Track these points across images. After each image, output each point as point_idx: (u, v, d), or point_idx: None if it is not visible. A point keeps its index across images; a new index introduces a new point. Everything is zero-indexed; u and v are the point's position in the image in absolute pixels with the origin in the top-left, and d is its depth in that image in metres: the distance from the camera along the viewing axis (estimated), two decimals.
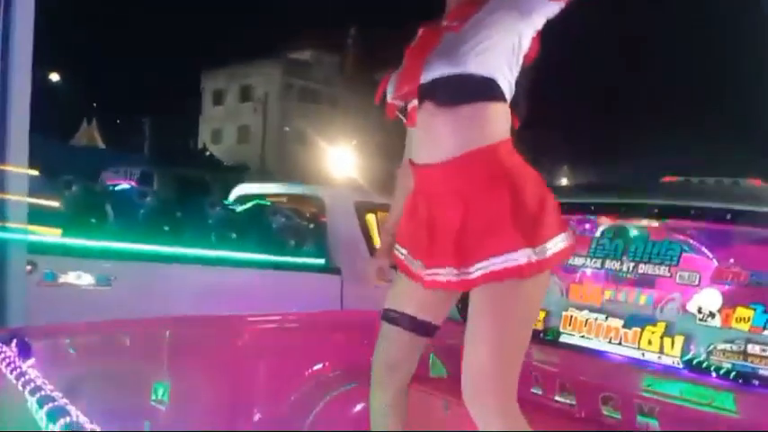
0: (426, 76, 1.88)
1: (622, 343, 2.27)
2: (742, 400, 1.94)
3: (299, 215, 4.79)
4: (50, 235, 4.00)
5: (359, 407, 2.70)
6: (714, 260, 2.10)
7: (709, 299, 2.08)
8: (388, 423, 2.21)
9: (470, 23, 1.87)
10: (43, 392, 1.71)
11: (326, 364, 2.83)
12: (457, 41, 1.86)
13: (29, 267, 3.52)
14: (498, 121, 1.86)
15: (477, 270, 1.80)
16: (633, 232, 2.35)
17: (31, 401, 1.68)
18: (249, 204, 4.63)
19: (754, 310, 1.98)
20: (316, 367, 2.83)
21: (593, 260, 2.42)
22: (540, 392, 2.50)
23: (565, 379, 2.43)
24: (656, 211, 2.28)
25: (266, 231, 4.51)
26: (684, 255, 2.18)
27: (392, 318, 2.09)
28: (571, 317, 2.45)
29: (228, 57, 39.76)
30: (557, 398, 2.44)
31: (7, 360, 1.86)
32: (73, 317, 2.66)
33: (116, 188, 4.84)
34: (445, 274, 1.88)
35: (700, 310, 2.09)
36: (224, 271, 4.12)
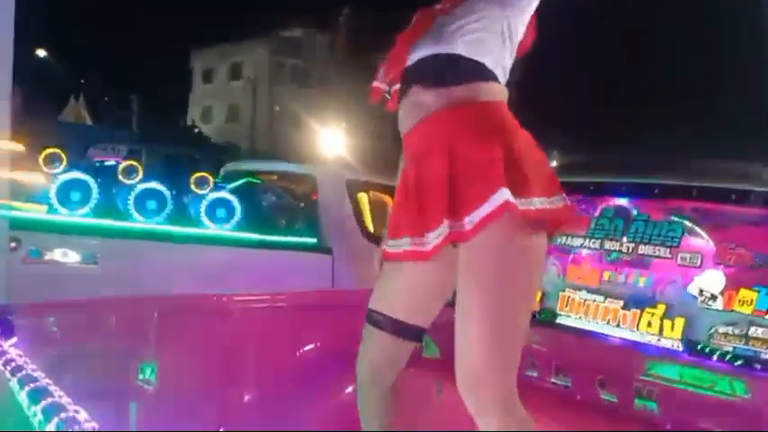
0: (413, 57, 1.84)
1: (621, 325, 2.23)
2: (743, 385, 1.90)
3: (289, 193, 4.72)
4: (35, 211, 3.92)
5: (350, 389, 2.65)
6: (717, 241, 2.05)
7: (711, 281, 2.03)
8: (377, 417, 2.11)
9: (462, 6, 1.85)
10: (25, 372, 1.66)
11: (318, 344, 2.78)
12: (446, 22, 1.83)
13: (13, 244, 3.44)
14: (493, 94, 1.81)
15: (469, 222, 1.69)
16: (633, 212, 2.29)
17: (13, 381, 1.62)
18: (239, 182, 4.55)
19: (758, 292, 1.94)
20: (307, 348, 2.78)
21: (592, 240, 2.37)
22: (535, 375, 2.46)
23: (561, 361, 2.39)
24: (657, 190, 2.23)
25: (256, 209, 4.44)
26: (686, 236, 2.13)
27: (377, 321, 1.97)
28: (568, 298, 2.40)
29: (218, 35, 39.39)
30: (552, 380, 2.40)
31: None
32: (59, 295, 2.60)
33: (103, 164, 4.75)
34: (437, 235, 1.73)
35: (701, 293, 2.05)
36: (213, 249, 4.06)
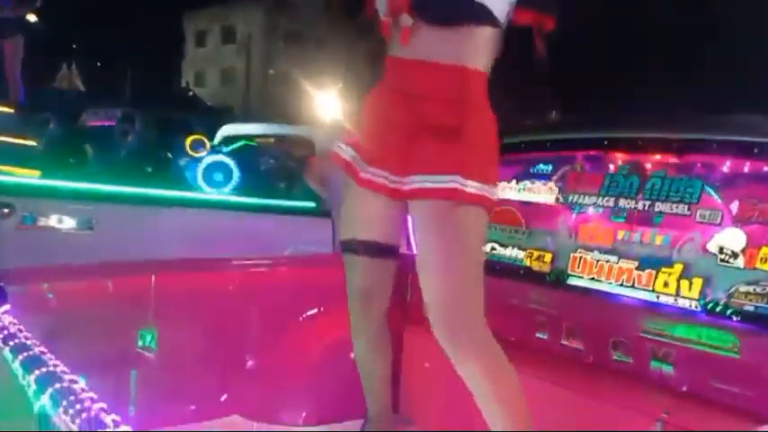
0: None
1: (635, 285, 2.15)
2: (765, 346, 1.84)
3: (287, 156, 4.62)
4: (29, 176, 3.83)
5: (353, 353, 2.59)
6: (738, 197, 1.97)
7: (731, 238, 1.95)
8: (376, 361, 2.21)
9: None
10: (18, 341, 1.58)
11: (321, 309, 2.71)
12: None
13: (6, 210, 3.36)
14: (484, 50, 1.86)
15: (411, 183, 1.83)
16: (650, 168, 2.20)
17: (6, 350, 1.55)
18: (236, 145, 4.45)
19: None
20: (309, 312, 2.71)
21: (606, 198, 2.28)
22: (545, 337, 2.39)
23: (572, 323, 2.33)
24: (675, 145, 2.14)
25: (254, 173, 4.35)
26: (705, 192, 2.04)
27: (354, 249, 2.06)
28: (580, 258, 2.32)
29: None
30: (563, 342, 2.33)
31: None
32: (54, 262, 2.51)
33: (96, 127, 4.65)
34: (381, 177, 1.89)
35: (721, 251, 1.97)
36: (211, 214, 3.98)
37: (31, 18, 5.79)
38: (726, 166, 2.03)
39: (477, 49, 1.85)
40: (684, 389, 1.99)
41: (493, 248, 2.63)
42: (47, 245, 3.46)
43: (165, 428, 2.36)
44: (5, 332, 1.62)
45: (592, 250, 2.29)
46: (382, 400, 2.26)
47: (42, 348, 1.52)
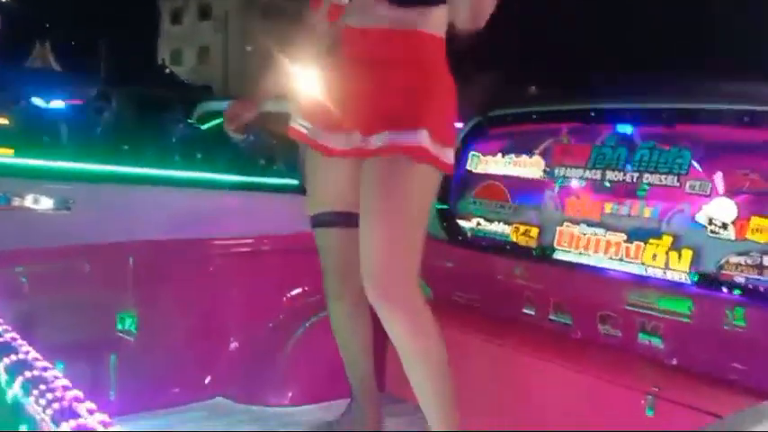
0: None
1: (624, 259, 2.13)
2: (756, 317, 1.81)
3: (268, 133, 4.53)
4: (2, 155, 3.72)
5: None
6: (728, 167, 1.93)
7: (721, 209, 1.92)
8: (355, 337, 2.17)
9: None
10: None
11: (305, 288, 2.66)
12: None
13: None
14: (440, 18, 1.84)
15: (377, 141, 1.79)
16: (638, 139, 2.17)
17: None
18: (214, 122, 4.35)
19: None
20: (293, 292, 2.66)
21: (593, 171, 2.24)
22: (532, 312, 2.37)
23: (559, 298, 2.30)
24: (663, 115, 2.10)
25: (234, 150, 4.26)
26: (695, 162, 2.01)
27: (326, 221, 2.03)
28: (567, 232, 2.29)
29: None
30: (551, 318, 2.31)
31: None
32: (30, 244, 2.44)
33: (71, 105, 4.53)
34: (345, 142, 1.87)
35: (711, 222, 1.94)
36: (191, 193, 3.89)
37: None
38: (716, 136, 1.99)
39: (432, 19, 1.83)
40: (674, 362, 1.97)
41: (478, 224, 2.59)
42: (22, 226, 3.36)
43: (148, 413, 2.31)
44: None
45: (579, 224, 2.26)
46: (363, 372, 2.20)
47: (14, 335, 1.46)
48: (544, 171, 2.39)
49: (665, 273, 2.02)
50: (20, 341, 1.42)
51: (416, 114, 1.79)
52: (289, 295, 2.65)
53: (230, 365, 2.51)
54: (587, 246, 2.22)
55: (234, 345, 2.53)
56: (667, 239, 2.03)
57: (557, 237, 2.31)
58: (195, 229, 2.86)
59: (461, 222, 2.61)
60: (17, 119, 3.71)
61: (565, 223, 2.29)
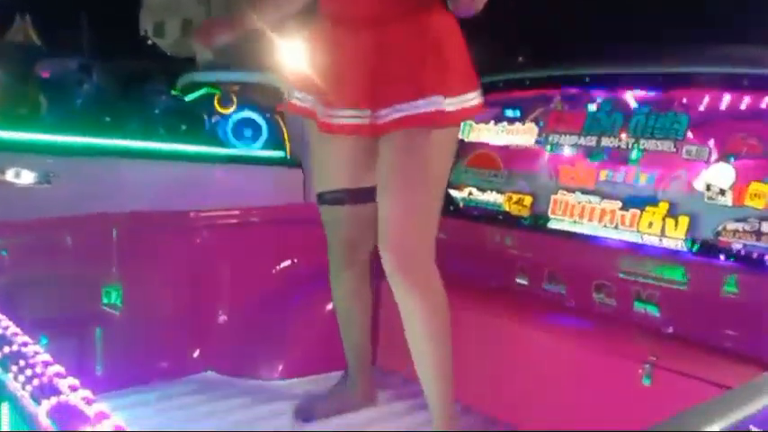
0: None
1: (619, 227, 2.09)
2: (754, 284, 1.79)
3: (253, 104, 4.44)
4: None
5: (330, 305, 2.51)
6: (726, 132, 1.89)
7: (719, 175, 1.89)
8: (355, 310, 2.16)
9: None
10: None
11: (294, 261, 2.61)
12: None
13: None
14: None
15: (388, 115, 1.72)
16: (634, 105, 2.12)
17: None
18: (197, 94, 4.25)
19: None
20: (283, 265, 2.61)
21: (588, 138, 2.19)
22: (525, 282, 2.33)
23: (553, 267, 2.27)
24: (659, 79, 2.05)
25: (218, 122, 4.18)
26: (692, 128, 1.96)
27: (332, 199, 2.00)
28: (561, 201, 2.25)
29: None
30: (545, 287, 2.28)
31: None
32: (10, 218, 2.37)
33: (52, 77, 4.42)
34: (354, 117, 1.78)
35: (708, 188, 1.90)
36: (175, 165, 3.82)
37: None
38: (713, 100, 1.95)
39: None
40: (670, 331, 1.94)
41: (470, 193, 2.54)
42: (2, 200, 3.29)
43: (136, 388, 2.27)
44: None
45: (573, 192, 2.22)
46: (360, 346, 2.20)
47: None
48: (538, 138, 2.35)
49: (660, 240, 1.99)
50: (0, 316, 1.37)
51: (425, 78, 1.70)
52: (278, 268, 2.60)
53: (219, 339, 2.47)
54: (582, 214, 2.18)
55: (222, 318, 2.48)
56: (663, 206, 1.99)
57: (551, 205, 2.27)
58: (180, 202, 2.80)
59: (453, 192, 2.57)
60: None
61: (559, 191, 2.25)
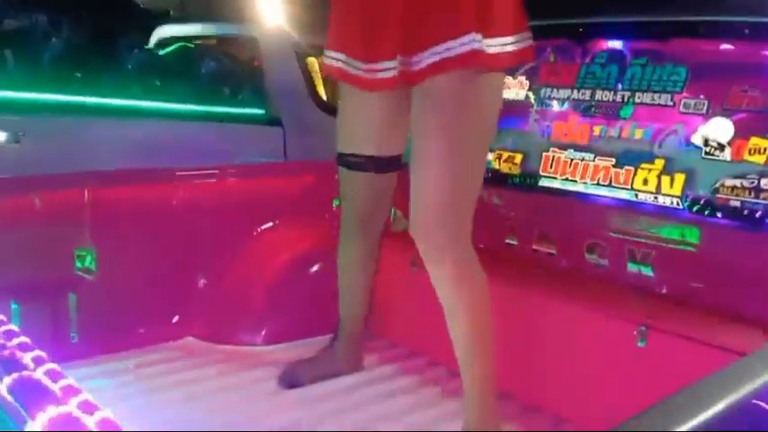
0: None
1: (613, 184, 2.02)
2: (753, 243, 1.73)
3: (230, 59, 4.29)
4: None
5: (315, 267, 2.44)
6: (726, 84, 1.81)
7: (718, 129, 1.81)
8: (358, 282, 2.07)
9: None
10: None
11: (276, 222, 2.52)
12: None
13: None
14: None
15: (423, 60, 1.56)
16: (629, 56, 2.03)
17: None
18: (172, 48, 4.09)
19: None
20: (264, 226, 2.52)
21: (581, 91, 2.11)
22: (515, 243, 2.27)
23: (544, 227, 2.20)
24: (656, 29, 1.96)
25: (194, 78, 4.03)
26: (691, 80, 1.88)
27: (353, 163, 1.88)
28: (553, 158, 2.17)
29: None
30: (535, 247, 2.21)
31: None
32: None
33: (17, 30, 4.22)
34: (388, 69, 1.63)
35: (706, 143, 1.83)
36: (150, 123, 3.68)
37: None
38: (713, 51, 1.87)
39: None
40: (664, 291, 1.89)
41: None
42: None
43: (114, 356, 2.19)
44: None
45: (566, 148, 2.14)
46: (357, 314, 2.12)
47: None
48: (528, 93, 2.25)
49: (656, 198, 1.92)
50: None
51: (462, 14, 1.52)
52: (259, 230, 2.51)
53: (199, 304, 2.39)
54: (574, 172, 2.11)
55: (202, 282, 2.40)
56: (659, 163, 1.92)
57: (542, 163, 2.19)
58: (156, 161, 2.68)
59: None
60: None
61: (551, 148, 2.17)
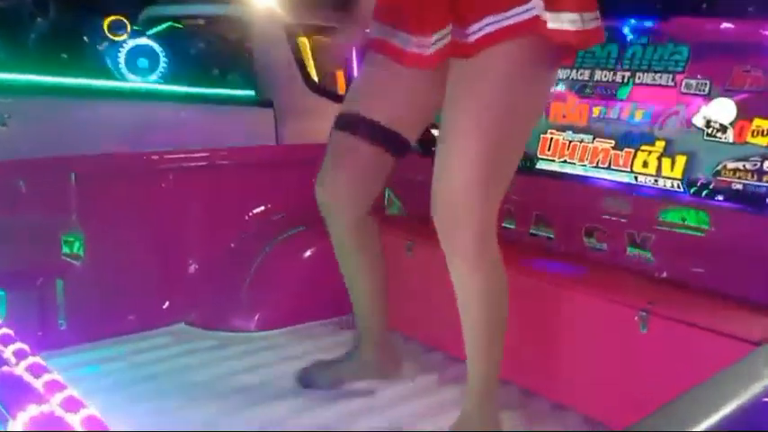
0: None
1: (612, 167, 1.98)
2: (755, 226, 1.70)
3: (220, 39, 4.22)
4: None
5: (308, 252, 2.40)
6: (729, 64, 1.77)
7: (720, 110, 1.78)
8: (359, 259, 1.81)
9: None
10: None
11: (268, 206, 2.48)
12: None
13: None
14: None
15: (479, 30, 1.40)
16: (630, 34, 1.98)
17: None
18: (160, 27, 4.01)
19: None
20: (256, 210, 2.47)
21: (580, 71, 2.07)
22: (512, 226, 2.23)
23: (542, 210, 2.16)
24: (658, 7, 1.92)
25: (183, 59, 3.96)
26: (693, 60, 1.84)
27: (352, 123, 1.63)
28: (551, 140, 2.13)
29: None
30: (532, 231, 2.18)
31: None
32: None
33: (1, 9, 4.14)
34: (438, 40, 1.47)
35: (708, 124, 1.79)
36: (138, 105, 3.62)
37: None
38: (715, 30, 1.82)
39: None
40: (665, 276, 1.86)
41: None
42: None
43: (103, 342, 2.15)
44: None
45: (564, 130, 2.10)
46: (368, 320, 1.89)
47: None
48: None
49: (656, 181, 1.89)
50: None
51: None
52: (251, 213, 2.46)
53: (190, 289, 2.34)
54: (573, 154, 2.07)
55: (193, 267, 2.35)
56: (660, 145, 1.88)
57: (540, 145, 2.15)
58: (144, 144, 2.62)
59: (435, 132, 2.43)
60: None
61: (549, 130, 2.13)
